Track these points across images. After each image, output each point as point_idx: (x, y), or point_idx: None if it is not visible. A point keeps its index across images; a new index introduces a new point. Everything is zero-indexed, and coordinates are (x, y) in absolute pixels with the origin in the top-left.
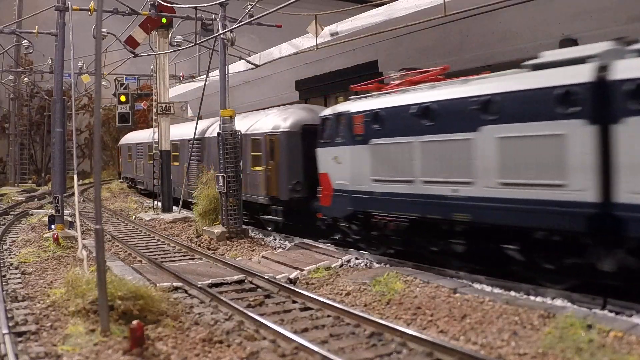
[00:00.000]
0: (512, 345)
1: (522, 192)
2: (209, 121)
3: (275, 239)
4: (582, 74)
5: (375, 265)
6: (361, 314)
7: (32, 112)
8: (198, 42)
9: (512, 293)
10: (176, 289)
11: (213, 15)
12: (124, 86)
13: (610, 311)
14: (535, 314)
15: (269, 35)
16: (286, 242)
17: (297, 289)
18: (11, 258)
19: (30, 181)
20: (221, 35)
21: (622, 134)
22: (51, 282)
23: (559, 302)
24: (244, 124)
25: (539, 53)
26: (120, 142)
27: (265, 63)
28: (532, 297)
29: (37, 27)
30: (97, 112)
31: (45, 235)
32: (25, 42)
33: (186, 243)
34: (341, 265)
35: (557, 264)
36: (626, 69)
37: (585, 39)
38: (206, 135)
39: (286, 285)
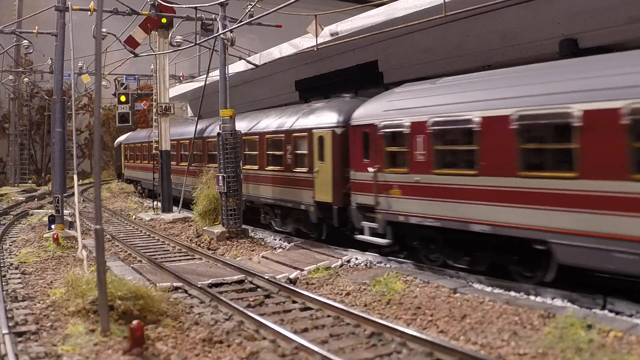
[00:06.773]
0: (512, 345)
1: None
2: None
3: (275, 239)
4: None
5: (375, 265)
6: (361, 314)
7: (32, 112)
8: (198, 42)
9: (512, 293)
10: (176, 289)
11: (213, 15)
12: (124, 86)
13: (610, 311)
14: (535, 314)
15: (269, 35)
16: (286, 242)
17: (297, 289)
18: (11, 258)
19: (30, 181)
20: (221, 35)
21: None
22: (51, 282)
23: (559, 302)
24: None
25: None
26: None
27: (265, 63)
28: (532, 297)
29: (37, 27)
30: (97, 112)
31: (45, 235)
32: (25, 42)
33: (186, 243)
34: (341, 265)
35: None
36: None
37: (586, 39)
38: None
39: (286, 285)
